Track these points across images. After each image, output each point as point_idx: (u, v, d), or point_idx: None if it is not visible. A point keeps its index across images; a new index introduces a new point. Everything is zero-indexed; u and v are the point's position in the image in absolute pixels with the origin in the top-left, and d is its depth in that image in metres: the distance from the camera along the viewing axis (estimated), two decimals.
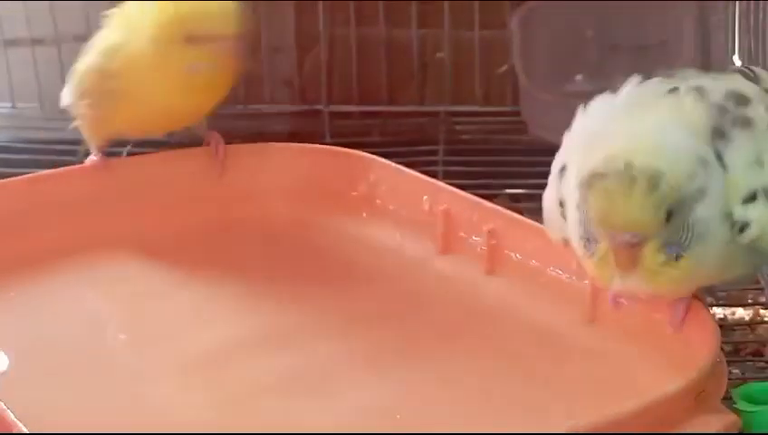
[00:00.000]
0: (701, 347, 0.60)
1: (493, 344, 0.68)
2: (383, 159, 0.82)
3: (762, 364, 0.76)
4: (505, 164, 1.01)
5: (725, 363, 0.60)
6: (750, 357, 0.77)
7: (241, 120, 1.09)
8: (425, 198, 0.79)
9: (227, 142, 0.87)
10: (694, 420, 0.55)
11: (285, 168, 0.84)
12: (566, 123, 1.03)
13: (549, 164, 1.02)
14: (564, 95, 1.04)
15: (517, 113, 1.07)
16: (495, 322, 0.70)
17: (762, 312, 0.82)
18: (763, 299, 0.82)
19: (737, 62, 0.88)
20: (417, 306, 0.72)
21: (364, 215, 0.82)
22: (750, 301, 0.84)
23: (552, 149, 1.04)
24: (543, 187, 0.98)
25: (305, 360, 0.66)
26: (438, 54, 1.08)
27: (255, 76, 1.09)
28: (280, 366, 0.66)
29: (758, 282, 0.84)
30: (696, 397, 0.56)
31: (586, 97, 1.04)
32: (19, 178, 0.81)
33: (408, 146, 1.00)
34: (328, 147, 0.86)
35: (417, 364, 0.66)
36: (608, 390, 0.62)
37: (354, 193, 0.82)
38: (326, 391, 0.64)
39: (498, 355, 0.67)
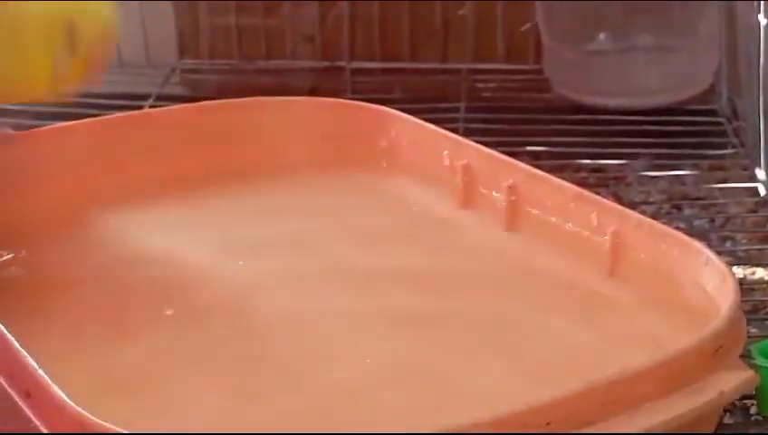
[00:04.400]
0: (720, 302, 0.60)
1: (514, 300, 0.67)
2: (404, 114, 0.82)
3: None
4: (527, 122, 1.01)
5: (744, 320, 0.60)
6: None
7: (262, 76, 1.09)
8: (445, 153, 0.78)
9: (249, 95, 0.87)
10: (711, 376, 0.55)
11: (307, 121, 0.84)
12: (589, 82, 1.03)
13: (570, 123, 1.03)
14: (587, 54, 1.04)
15: (539, 71, 1.07)
16: (516, 277, 0.70)
17: None
18: None
19: (762, 21, 0.87)
20: (436, 263, 0.72)
21: (385, 167, 0.82)
22: None
23: (573, 108, 1.05)
24: (565, 145, 0.99)
25: (323, 314, 0.66)
26: (461, 11, 1.08)
27: (277, 31, 1.09)
28: (302, 313, 0.66)
29: None
30: (713, 353, 0.56)
31: (609, 56, 1.05)
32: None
33: (429, 103, 1.00)
34: (349, 101, 0.85)
35: (438, 321, 0.66)
36: (627, 344, 0.62)
37: (375, 147, 0.82)
38: (347, 345, 0.64)
39: (520, 311, 0.66)
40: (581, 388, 0.52)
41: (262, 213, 0.78)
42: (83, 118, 0.85)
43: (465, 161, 0.77)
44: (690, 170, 0.96)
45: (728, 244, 0.87)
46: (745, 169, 0.95)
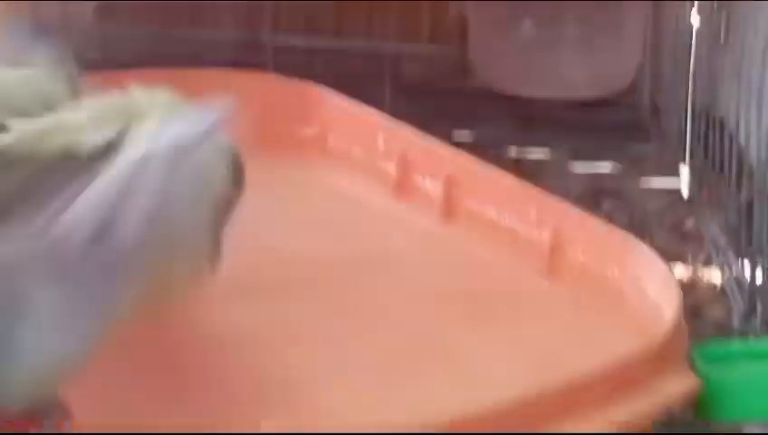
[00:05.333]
0: (661, 304, 0.60)
1: (449, 300, 0.66)
2: (337, 94, 0.81)
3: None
4: (450, 109, 1.00)
5: (685, 323, 0.60)
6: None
7: (181, 46, 1.07)
8: (380, 139, 0.77)
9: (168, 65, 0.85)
10: (659, 381, 0.55)
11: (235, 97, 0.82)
12: (513, 72, 1.03)
13: (493, 111, 1.02)
14: (513, 43, 1.04)
15: (464, 57, 1.06)
16: (452, 274, 0.69)
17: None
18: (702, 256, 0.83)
19: (695, 22, 0.87)
20: (367, 258, 0.70)
21: (316, 152, 0.80)
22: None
23: (497, 97, 1.04)
24: (487, 134, 0.98)
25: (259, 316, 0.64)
26: None
27: (198, 2, 1.07)
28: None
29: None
30: (660, 357, 0.56)
31: (534, 47, 1.04)
32: None
33: (353, 84, 0.98)
34: (281, 77, 0.84)
35: (369, 314, 0.64)
36: (567, 348, 0.61)
37: (304, 130, 0.81)
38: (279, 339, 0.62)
39: (455, 312, 0.65)
40: (531, 392, 0.52)
41: None
42: None
43: (401, 149, 0.76)
44: (611, 164, 0.97)
45: (647, 240, 0.87)
46: (666, 166, 0.95)
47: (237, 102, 0.80)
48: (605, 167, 0.96)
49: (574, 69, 1.02)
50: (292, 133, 0.81)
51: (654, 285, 0.62)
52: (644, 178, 0.95)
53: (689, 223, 0.89)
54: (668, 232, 0.89)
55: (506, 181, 0.71)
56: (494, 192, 0.71)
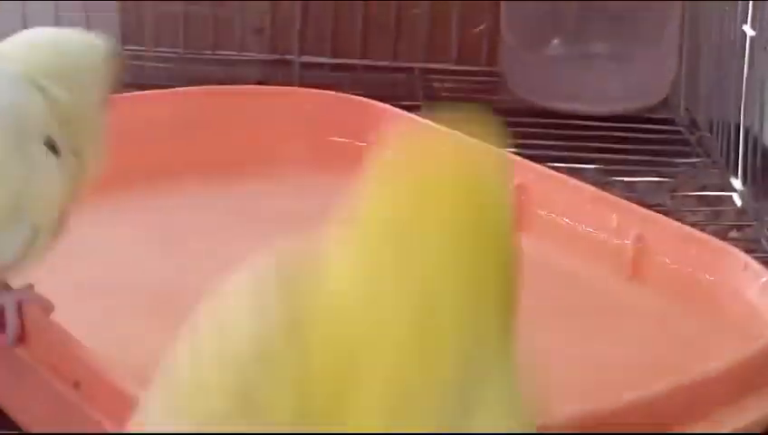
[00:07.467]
0: (762, 306, 0.59)
1: (532, 300, 0.65)
2: (404, 112, 0.80)
3: None
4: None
5: None
6: None
7: (208, 66, 1.06)
8: None
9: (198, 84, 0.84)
10: None
11: (297, 115, 0.81)
12: (548, 85, 1.03)
13: (532, 126, 1.02)
14: (547, 58, 1.03)
15: (492, 73, 1.06)
16: (528, 276, 0.68)
17: None
18: None
19: (749, 32, 0.87)
20: None
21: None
22: None
23: (532, 111, 1.03)
24: (531, 147, 0.97)
25: None
26: (415, 11, 1.06)
27: (226, 22, 1.06)
28: None
29: None
30: None
31: (568, 61, 1.04)
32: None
33: (385, 102, 0.97)
34: (336, 93, 0.83)
35: None
36: (670, 350, 0.61)
37: (364, 144, 0.80)
38: None
39: (540, 311, 0.64)
40: (664, 389, 0.51)
41: (240, 218, 0.74)
42: None
43: None
44: (651, 178, 0.96)
45: None
46: (708, 178, 0.95)
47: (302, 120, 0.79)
48: (644, 181, 0.95)
49: (607, 83, 1.01)
50: (349, 149, 0.80)
51: (751, 289, 0.62)
52: (685, 192, 0.94)
53: (733, 233, 0.88)
54: None
55: (580, 189, 0.70)
56: (568, 200, 0.70)
